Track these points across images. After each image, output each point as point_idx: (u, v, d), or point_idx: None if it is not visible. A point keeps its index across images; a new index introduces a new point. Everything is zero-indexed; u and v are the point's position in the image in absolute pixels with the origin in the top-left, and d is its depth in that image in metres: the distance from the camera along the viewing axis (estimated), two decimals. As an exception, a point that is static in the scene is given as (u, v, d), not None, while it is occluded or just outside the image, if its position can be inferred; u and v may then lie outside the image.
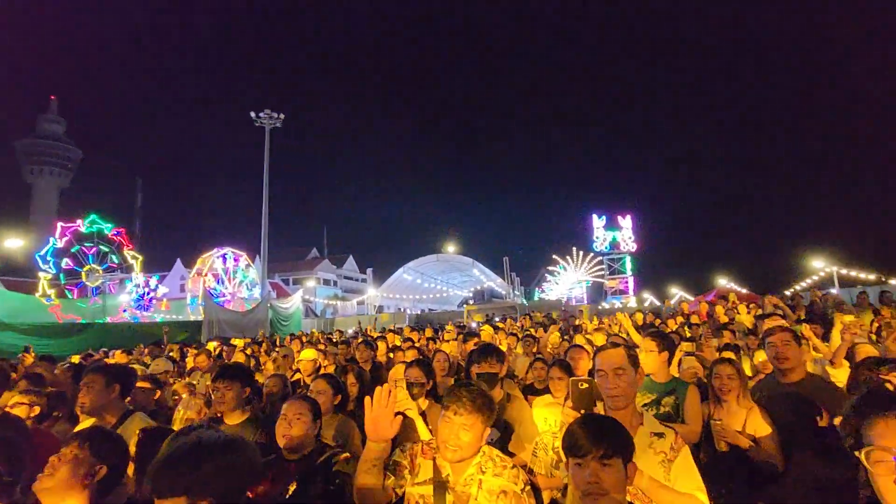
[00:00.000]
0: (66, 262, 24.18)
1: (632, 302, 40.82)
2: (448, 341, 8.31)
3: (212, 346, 8.76)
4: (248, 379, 2.87)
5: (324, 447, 2.23)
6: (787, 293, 17.18)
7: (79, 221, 25.03)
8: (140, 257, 26.86)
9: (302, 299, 25.70)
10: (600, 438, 1.42)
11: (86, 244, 25.01)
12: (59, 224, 24.81)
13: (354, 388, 3.78)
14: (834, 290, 17.10)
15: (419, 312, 36.04)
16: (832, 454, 2.28)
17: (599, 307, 29.72)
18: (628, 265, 50.47)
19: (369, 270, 45.36)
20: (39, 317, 15.73)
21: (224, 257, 29.57)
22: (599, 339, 6.17)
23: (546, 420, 3.09)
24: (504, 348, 7.17)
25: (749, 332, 5.96)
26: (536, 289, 59.08)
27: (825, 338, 5.02)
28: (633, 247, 49.99)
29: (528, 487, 1.75)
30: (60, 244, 24.09)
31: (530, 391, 4.17)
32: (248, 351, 8.09)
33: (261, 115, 27.38)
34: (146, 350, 8.78)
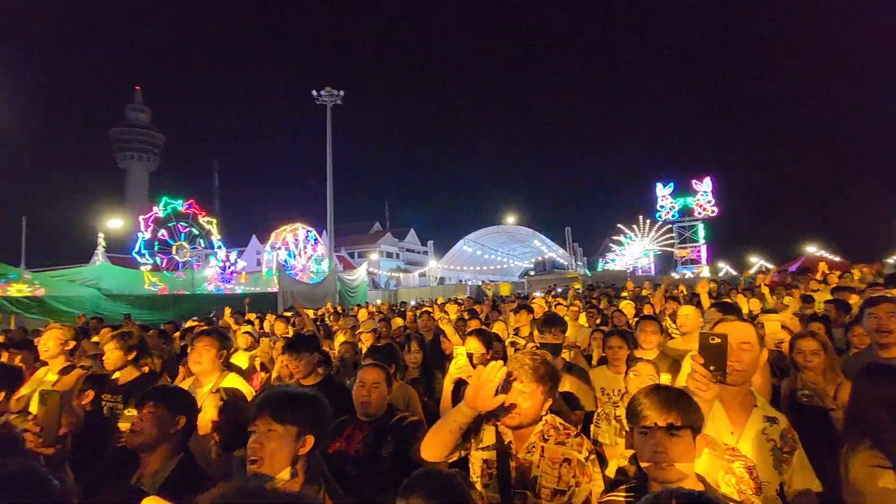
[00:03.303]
0: (161, 233, 26.87)
1: (705, 272, 38.53)
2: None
3: (289, 314, 9.37)
4: (315, 346, 3.10)
5: (394, 410, 2.35)
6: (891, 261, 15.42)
7: (155, 208, 27.50)
8: (214, 220, 29.08)
9: (367, 272, 26.70)
10: (668, 409, 1.39)
11: (181, 223, 27.59)
12: (141, 217, 27.38)
13: (418, 354, 3.92)
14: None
15: (479, 284, 36.24)
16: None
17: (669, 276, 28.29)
18: (701, 233, 47.39)
19: (430, 243, 45.95)
20: (140, 290, 17.58)
21: (308, 234, 31.40)
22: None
23: (604, 390, 3.06)
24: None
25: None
26: (600, 259, 57.28)
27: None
28: (712, 211, 46.55)
29: (592, 456, 1.74)
30: (147, 235, 26.65)
31: (591, 362, 4.13)
32: (318, 321, 8.59)
33: (322, 92, 28.02)
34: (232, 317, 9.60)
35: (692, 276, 34.65)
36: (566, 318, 7.07)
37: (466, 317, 6.86)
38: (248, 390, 2.80)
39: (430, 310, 6.95)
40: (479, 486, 1.73)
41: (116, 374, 2.96)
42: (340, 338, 4.98)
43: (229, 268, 28.66)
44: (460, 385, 3.05)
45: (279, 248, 30.72)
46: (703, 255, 47.18)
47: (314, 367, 3.14)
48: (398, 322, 6.59)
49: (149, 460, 1.86)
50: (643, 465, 1.41)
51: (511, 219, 45.80)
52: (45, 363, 3.43)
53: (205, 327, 4.63)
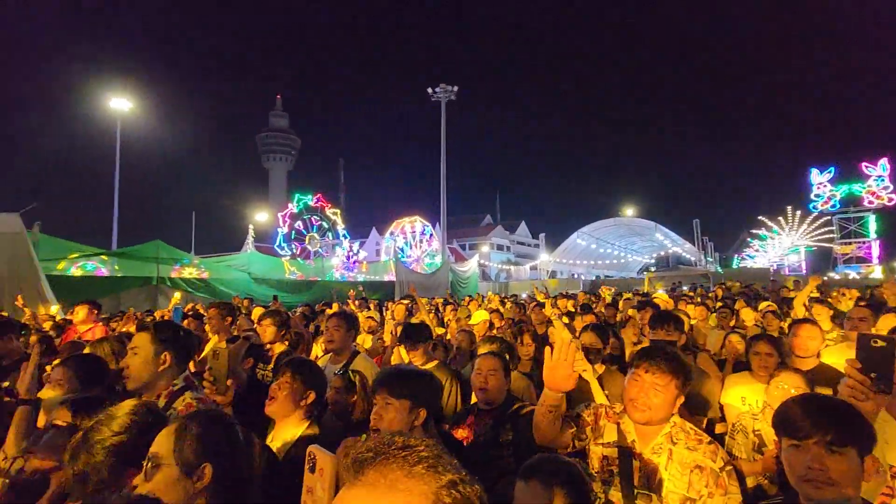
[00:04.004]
0: (298, 224, 30.41)
1: (876, 272, 32.37)
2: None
3: (405, 302, 9.94)
4: (428, 334, 3.37)
5: (513, 399, 2.38)
6: None
7: (290, 205, 30.93)
8: (339, 211, 31.94)
9: (478, 264, 27.16)
10: (829, 422, 1.21)
11: (314, 216, 30.97)
12: (279, 214, 31.08)
13: (531, 347, 3.91)
14: None
15: (593, 279, 34.71)
16: None
17: (825, 278, 24.38)
18: (872, 226, 39.64)
19: (542, 236, 45.13)
20: (281, 275, 19.94)
21: (424, 228, 33.23)
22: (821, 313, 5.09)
23: (744, 400, 2.76)
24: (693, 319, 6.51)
25: None
26: (735, 255, 51.23)
27: None
28: (889, 199, 38.22)
29: (729, 468, 1.59)
30: (285, 230, 30.17)
31: (721, 368, 3.76)
32: (433, 310, 8.98)
33: (437, 89, 28.93)
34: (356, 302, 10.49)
35: (858, 276, 29.33)
36: (695, 320, 6.54)
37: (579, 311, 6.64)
38: (374, 369, 3.04)
39: (543, 302, 6.86)
40: (598, 481, 1.70)
41: (268, 347, 3.42)
42: (454, 326, 5.16)
43: (352, 257, 31.19)
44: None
45: (397, 236, 32.84)
46: (875, 251, 39.42)
47: (430, 354, 3.32)
48: (510, 314, 6.61)
49: (281, 425, 2.05)
50: (794, 483, 1.25)
51: (630, 211, 43.03)
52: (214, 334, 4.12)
53: (335, 310, 5.16)
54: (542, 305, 6.15)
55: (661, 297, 7.95)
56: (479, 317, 5.86)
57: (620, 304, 8.43)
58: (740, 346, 3.80)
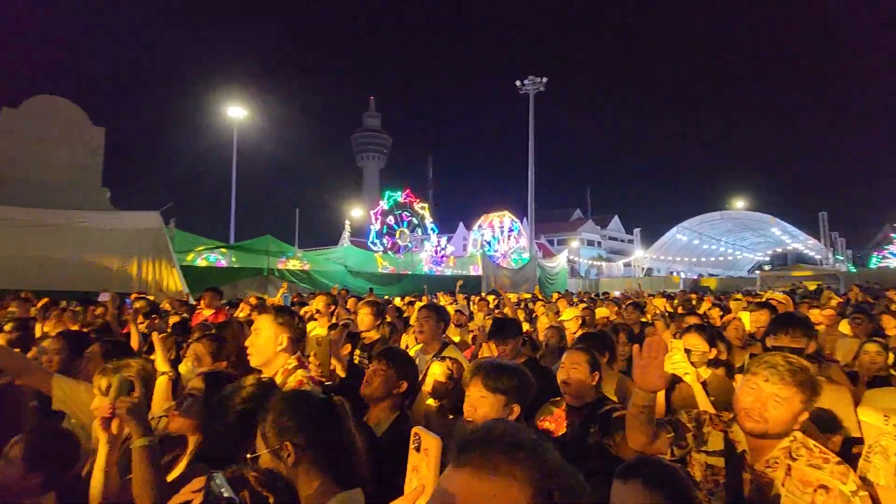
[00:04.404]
0: (389, 218, 31.84)
1: None
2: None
3: (490, 298, 9.97)
4: (518, 330, 3.34)
5: (605, 400, 2.27)
6: None
7: (381, 202, 32.27)
8: (426, 206, 32.75)
9: (567, 259, 26.36)
10: None
11: (405, 212, 32.24)
12: (371, 212, 32.57)
13: (626, 347, 3.73)
14: None
15: (695, 278, 32.08)
16: None
17: None
18: None
19: (636, 231, 42.47)
20: (374, 269, 20.98)
21: (512, 224, 33.18)
22: None
23: (888, 419, 2.40)
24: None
25: None
26: (874, 254, 44.37)
27: None
28: None
29: (863, 493, 1.41)
30: (377, 227, 31.60)
31: (854, 381, 3.30)
32: (521, 305, 8.89)
33: (525, 81, 28.43)
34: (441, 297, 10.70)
35: None
36: (821, 326, 5.78)
37: (681, 311, 6.21)
38: (464, 361, 3.10)
39: (638, 301, 6.51)
40: (703, 490, 1.58)
41: (364, 335, 3.64)
42: (544, 321, 5.09)
43: (440, 251, 31.87)
44: (675, 382, 2.81)
45: (485, 230, 33.00)
46: None
47: (519, 351, 3.29)
48: (603, 312, 6.35)
49: (373, 410, 2.15)
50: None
51: (740, 203, 38.95)
52: (311, 319, 4.48)
53: (423, 301, 5.35)
54: (637, 305, 5.82)
55: (777, 296, 7.13)
56: (570, 313, 5.71)
57: (730, 304, 7.72)
58: (880, 358, 3.31)
